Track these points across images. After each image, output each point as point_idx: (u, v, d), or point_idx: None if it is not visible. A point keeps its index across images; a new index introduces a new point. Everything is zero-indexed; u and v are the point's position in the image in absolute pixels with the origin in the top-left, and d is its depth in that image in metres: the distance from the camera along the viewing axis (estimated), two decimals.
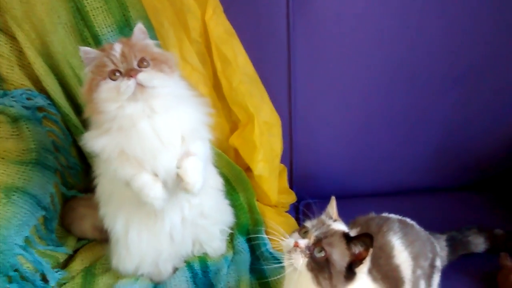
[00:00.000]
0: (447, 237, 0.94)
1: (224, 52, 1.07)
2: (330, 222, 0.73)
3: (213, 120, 0.90)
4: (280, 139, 1.15)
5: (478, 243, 0.95)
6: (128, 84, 0.75)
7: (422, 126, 1.15)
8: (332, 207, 0.77)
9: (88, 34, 1.07)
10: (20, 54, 1.09)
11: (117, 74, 0.77)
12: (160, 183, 0.81)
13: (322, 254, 0.67)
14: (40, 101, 1.09)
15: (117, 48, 0.78)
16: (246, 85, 1.08)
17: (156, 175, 0.81)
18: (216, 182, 1.00)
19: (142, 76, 0.76)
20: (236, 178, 1.15)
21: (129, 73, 0.76)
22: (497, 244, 0.95)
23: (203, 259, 1.00)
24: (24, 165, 1.00)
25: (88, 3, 1.05)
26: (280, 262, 0.96)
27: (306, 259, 0.67)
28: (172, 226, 0.91)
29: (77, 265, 1.01)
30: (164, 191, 0.81)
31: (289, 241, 0.70)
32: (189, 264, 0.98)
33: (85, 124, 1.08)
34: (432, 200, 1.17)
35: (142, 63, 0.78)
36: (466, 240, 0.95)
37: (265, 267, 0.97)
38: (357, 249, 0.67)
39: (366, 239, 0.67)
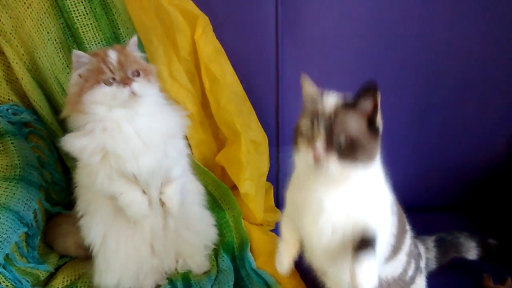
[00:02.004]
0: (435, 238, 0.93)
1: (212, 71, 1.08)
2: (320, 102, 0.66)
3: (198, 142, 0.96)
4: (267, 158, 1.15)
5: (470, 247, 0.93)
6: (123, 92, 0.81)
7: (406, 146, 1.16)
8: (306, 84, 0.71)
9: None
10: (7, 69, 1.09)
11: (111, 80, 0.82)
12: (147, 198, 0.88)
13: (343, 139, 0.61)
14: (27, 116, 1.09)
15: (113, 55, 0.83)
16: (234, 103, 1.09)
17: (138, 183, 0.87)
18: (196, 186, 1.04)
19: (136, 85, 0.82)
20: (222, 196, 1.15)
21: (125, 81, 0.82)
22: (490, 252, 0.93)
23: (186, 277, 0.99)
24: (7, 181, 0.98)
25: (78, 20, 1.06)
26: (265, 281, 0.97)
27: (334, 156, 0.61)
28: (153, 234, 0.92)
29: (59, 283, 0.99)
30: (149, 205, 0.89)
31: (307, 158, 0.62)
32: (171, 282, 0.97)
33: None
34: (414, 219, 1.17)
35: (135, 73, 0.84)
36: (457, 241, 0.93)
37: (249, 286, 0.96)
38: (366, 104, 0.63)
39: (367, 89, 0.62)
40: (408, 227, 0.80)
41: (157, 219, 0.92)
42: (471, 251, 0.94)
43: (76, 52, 0.82)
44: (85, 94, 0.81)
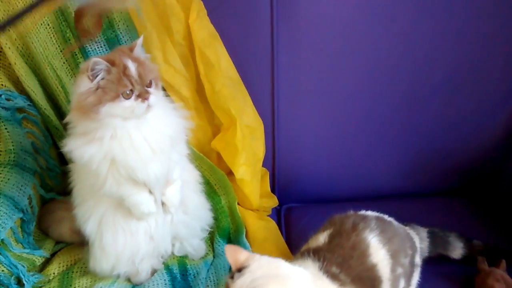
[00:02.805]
0: (428, 230, 0.94)
1: (207, 55, 1.07)
2: None
3: (193, 122, 0.93)
4: (263, 143, 1.15)
5: (457, 247, 0.95)
6: (141, 106, 0.80)
7: (403, 132, 1.16)
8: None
9: (70, 35, 1.07)
10: (0, 54, 1.08)
11: (128, 92, 0.79)
12: (153, 199, 0.89)
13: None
14: (20, 102, 1.08)
15: (132, 68, 0.79)
16: (229, 88, 1.08)
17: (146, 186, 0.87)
18: (194, 175, 1.03)
19: (153, 98, 0.81)
20: (218, 181, 1.15)
21: (144, 96, 0.80)
22: (474, 254, 0.95)
23: (183, 262, 0.99)
24: (1, 166, 0.98)
25: (71, 4, 1.05)
26: None
27: None
28: (151, 224, 0.92)
29: (54, 269, 0.99)
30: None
31: None
32: (168, 267, 0.98)
33: (66, 126, 1.08)
34: (412, 205, 1.18)
35: (149, 83, 0.82)
36: (447, 239, 0.94)
37: None
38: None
39: None
40: None
41: (157, 215, 0.93)
42: (457, 251, 0.95)
43: (93, 60, 0.78)
44: (103, 106, 0.78)
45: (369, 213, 0.84)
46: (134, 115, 0.80)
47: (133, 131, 0.81)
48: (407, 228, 0.88)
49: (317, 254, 0.74)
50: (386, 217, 0.85)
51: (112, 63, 0.78)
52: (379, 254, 0.75)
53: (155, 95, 0.82)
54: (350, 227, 0.77)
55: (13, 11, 1.02)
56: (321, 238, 0.78)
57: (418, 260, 0.84)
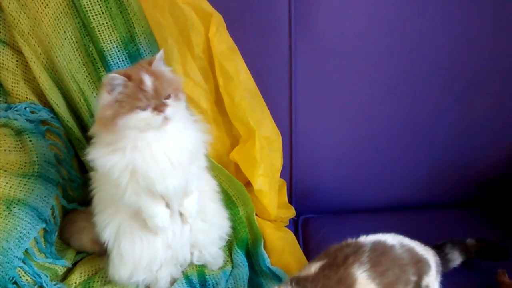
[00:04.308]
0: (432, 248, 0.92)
1: (226, 68, 1.09)
2: None
3: (212, 136, 0.94)
4: (281, 154, 1.16)
5: (455, 258, 0.93)
6: (157, 119, 0.81)
7: (421, 143, 1.16)
8: None
9: (93, 49, 1.09)
10: (25, 68, 1.11)
11: (145, 104, 0.81)
12: (169, 212, 0.91)
13: None
14: (44, 114, 1.11)
15: (148, 82, 0.81)
16: (248, 100, 1.10)
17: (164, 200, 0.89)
18: (211, 185, 1.05)
19: (170, 111, 0.82)
20: (236, 192, 1.16)
21: (159, 109, 0.81)
22: (470, 255, 0.94)
23: (202, 272, 1.00)
24: (26, 177, 1.00)
25: (94, 19, 1.08)
26: (279, 278, 0.97)
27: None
28: (171, 233, 0.93)
29: (76, 278, 1.00)
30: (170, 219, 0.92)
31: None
32: (187, 277, 0.98)
33: (88, 138, 1.10)
34: (429, 216, 1.17)
35: (167, 96, 0.83)
36: (445, 258, 0.92)
37: (263, 282, 0.97)
38: None
39: None
40: None
41: (175, 225, 0.94)
42: (456, 260, 0.93)
43: (111, 75, 0.80)
44: (120, 119, 0.80)
45: (368, 240, 0.82)
46: (150, 127, 0.81)
47: (154, 144, 0.83)
48: (421, 248, 0.86)
49: (301, 284, 0.73)
50: (389, 241, 0.82)
51: (129, 77, 0.81)
52: None
53: (173, 107, 0.83)
54: (341, 260, 0.76)
55: (34, 16, 1.05)
56: (312, 268, 0.77)
57: (429, 282, 0.82)
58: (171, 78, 0.86)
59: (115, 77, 0.80)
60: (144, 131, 0.82)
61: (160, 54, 0.86)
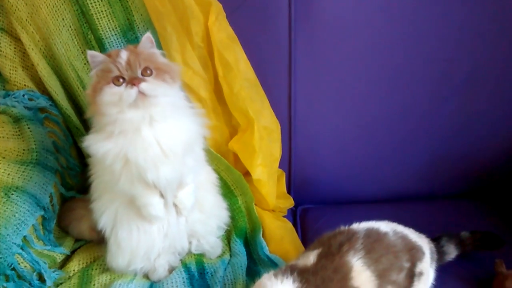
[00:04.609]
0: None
1: (226, 57, 1.08)
2: None
3: (211, 129, 0.93)
4: (279, 144, 1.16)
5: (450, 251, 0.93)
6: (130, 92, 0.79)
7: (420, 134, 1.16)
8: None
9: (91, 37, 1.09)
10: (23, 55, 1.11)
11: (121, 80, 0.80)
12: (163, 202, 0.90)
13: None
14: (42, 102, 1.10)
15: (124, 55, 0.81)
16: (247, 90, 1.10)
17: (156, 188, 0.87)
18: (210, 177, 1.04)
19: (145, 85, 0.79)
20: (235, 182, 1.16)
21: (132, 81, 0.79)
22: (466, 247, 0.94)
23: (200, 261, 1.00)
24: (24, 165, 1.00)
25: (92, 6, 1.07)
26: (277, 266, 0.98)
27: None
28: (166, 224, 0.93)
29: (74, 266, 1.01)
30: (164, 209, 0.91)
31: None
32: (185, 265, 0.99)
33: (86, 126, 1.11)
34: (427, 207, 1.18)
35: (146, 71, 0.81)
36: (441, 250, 0.92)
37: (262, 270, 0.97)
38: None
39: None
40: None
41: (170, 216, 0.94)
42: (452, 254, 0.94)
43: (90, 52, 0.81)
44: (97, 95, 0.80)
45: (361, 227, 0.82)
46: (125, 103, 0.79)
47: (144, 129, 0.81)
48: (415, 236, 0.86)
49: (301, 274, 0.73)
50: (382, 228, 0.82)
51: (108, 55, 0.82)
52: (362, 276, 0.74)
53: (152, 84, 0.80)
54: (335, 248, 0.77)
55: (32, 3, 1.04)
56: (310, 258, 0.77)
57: (422, 268, 0.82)
58: (153, 56, 0.84)
59: (94, 55, 0.82)
60: (123, 108, 0.79)
61: (146, 36, 0.85)
